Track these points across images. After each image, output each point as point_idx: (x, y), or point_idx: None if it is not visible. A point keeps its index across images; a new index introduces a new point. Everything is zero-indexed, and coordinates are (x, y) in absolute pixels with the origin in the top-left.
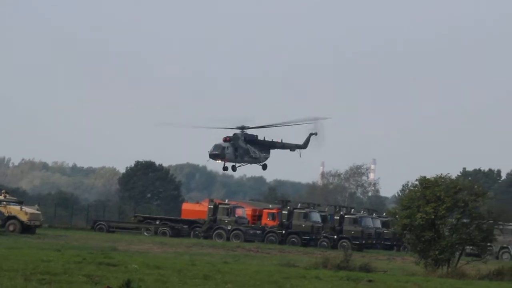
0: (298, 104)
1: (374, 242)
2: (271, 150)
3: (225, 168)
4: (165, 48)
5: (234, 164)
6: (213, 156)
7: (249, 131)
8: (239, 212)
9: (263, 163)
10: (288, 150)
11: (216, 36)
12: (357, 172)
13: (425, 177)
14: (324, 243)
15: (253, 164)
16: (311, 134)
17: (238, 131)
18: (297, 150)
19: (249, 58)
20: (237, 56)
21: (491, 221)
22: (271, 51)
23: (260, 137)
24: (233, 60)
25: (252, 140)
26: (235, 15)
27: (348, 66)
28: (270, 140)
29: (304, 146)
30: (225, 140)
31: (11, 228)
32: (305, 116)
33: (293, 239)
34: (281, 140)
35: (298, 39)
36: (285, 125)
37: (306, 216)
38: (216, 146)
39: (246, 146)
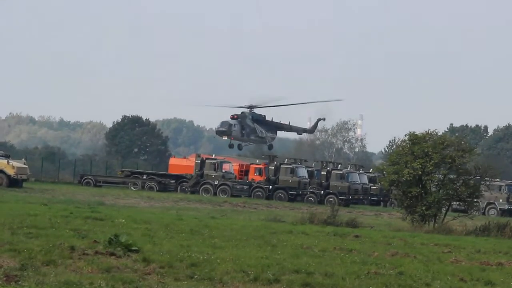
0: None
1: (360, 197)
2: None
3: (231, 145)
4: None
5: (240, 142)
6: (219, 132)
7: (257, 111)
8: (226, 167)
9: (269, 143)
10: (295, 133)
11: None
12: (344, 127)
13: (414, 132)
14: (311, 198)
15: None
16: (319, 119)
17: (246, 109)
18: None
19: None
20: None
21: (478, 177)
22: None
23: (268, 118)
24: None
25: (260, 120)
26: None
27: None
28: (278, 121)
29: (312, 130)
30: (232, 117)
31: None
32: (314, 97)
33: (280, 194)
34: (289, 123)
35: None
36: (293, 105)
37: (292, 172)
38: (223, 123)
39: (253, 125)
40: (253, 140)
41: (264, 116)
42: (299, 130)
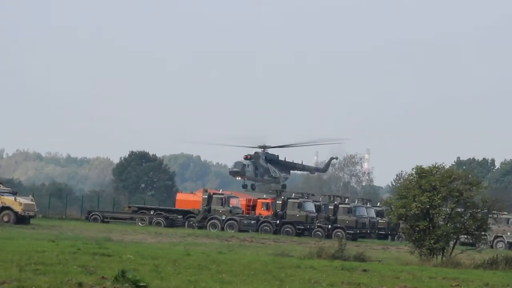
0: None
1: (368, 231)
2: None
3: (244, 186)
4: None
5: (253, 182)
6: (233, 173)
7: (270, 151)
8: (233, 202)
9: (283, 183)
10: (308, 172)
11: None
12: (351, 161)
13: (421, 166)
14: (319, 232)
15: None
16: (331, 158)
17: (259, 149)
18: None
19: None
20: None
21: (485, 210)
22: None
23: (281, 158)
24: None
25: (273, 160)
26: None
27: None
28: (291, 161)
29: (324, 169)
30: (246, 158)
31: (5, 218)
32: (325, 137)
33: (288, 229)
34: (302, 162)
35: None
36: (306, 145)
37: (300, 206)
38: (237, 164)
39: (266, 165)
40: (266, 180)
41: (277, 156)
42: (312, 170)
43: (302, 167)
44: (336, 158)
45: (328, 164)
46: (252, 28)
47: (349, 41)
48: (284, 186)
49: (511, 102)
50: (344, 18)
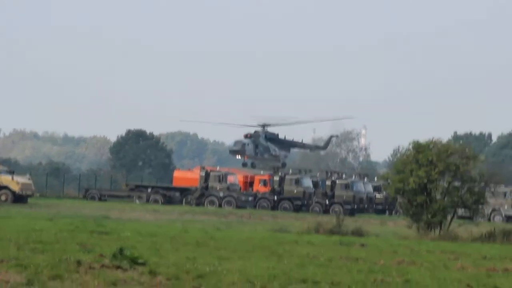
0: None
1: (366, 206)
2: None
3: (244, 164)
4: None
5: (253, 161)
6: (233, 152)
7: (270, 129)
8: (230, 178)
9: (283, 161)
10: (308, 150)
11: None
12: (348, 137)
13: (418, 141)
14: (316, 208)
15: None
16: (331, 136)
17: (259, 128)
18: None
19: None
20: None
21: (483, 184)
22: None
23: (281, 136)
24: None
25: (273, 138)
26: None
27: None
28: (291, 139)
29: (324, 147)
30: (245, 136)
31: (3, 198)
32: (326, 114)
33: (285, 205)
34: (302, 140)
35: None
36: (306, 123)
37: (297, 182)
38: (237, 142)
39: (266, 143)
40: (266, 159)
41: (277, 134)
42: (312, 148)
43: (302, 145)
44: (336, 136)
45: (328, 142)
46: (253, 6)
47: (345, 15)
48: (284, 164)
49: (508, 76)
50: None
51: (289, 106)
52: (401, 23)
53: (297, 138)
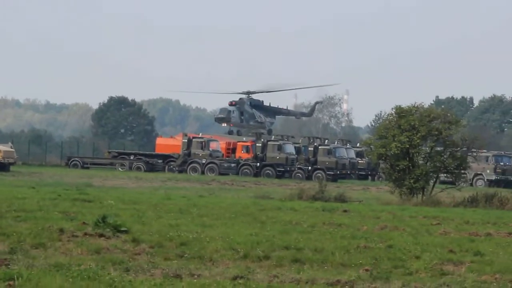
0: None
1: (348, 172)
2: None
3: (230, 132)
4: None
5: (239, 128)
6: (218, 119)
7: (255, 96)
8: (213, 145)
9: (269, 128)
10: (294, 117)
11: None
12: (330, 103)
13: (400, 106)
14: (299, 174)
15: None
16: (316, 103)
17: (244, 95)
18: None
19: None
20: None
21: (465, 149)
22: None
23: (266, 103)
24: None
25: (258, 105)
26: None
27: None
28: (276, 106)
29: (310, 114)
30: (230, 104)
31: None
32: (316, 80)
33: (268, 171)
34: (287, 107)
35: None
36: (291, 89)
37: (280, 148)
38: (222, 110)
39: (251, 110)
40: (252, 126)
41: (262, 101)
42: (297, 114)
43: (287, 112)
44: (321, 103)
45: (313, 109)
46: None
47: None
48: (270, 131)
49: (489, 40)
50: None
51: (273, 75)
52: None
53: (281, 105)
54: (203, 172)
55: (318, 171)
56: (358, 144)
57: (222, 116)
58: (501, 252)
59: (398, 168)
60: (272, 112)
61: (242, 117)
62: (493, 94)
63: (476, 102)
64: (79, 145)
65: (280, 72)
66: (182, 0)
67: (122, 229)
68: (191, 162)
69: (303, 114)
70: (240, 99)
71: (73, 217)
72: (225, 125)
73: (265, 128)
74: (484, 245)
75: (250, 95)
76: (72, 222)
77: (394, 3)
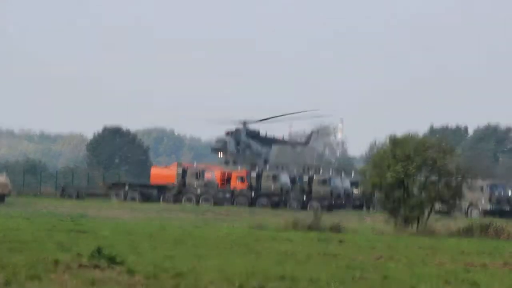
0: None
1: (343, 202)
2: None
3: (227, 162)
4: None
5: (235, 158)
6: (215, 150)
7: (251, 126)
8: (208, 175)
9: (265, 158)
10: (290, 146)
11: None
12: (325, 132)
13: (395, 135)
14: (294, 204)
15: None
16: (312, 132)
17: (240, 126)
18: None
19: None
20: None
21: (460, 178)
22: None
23: (263, 133)
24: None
25: (254, 135)
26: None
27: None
28: (272, 136)
29: (306, 143)
30: (227, 134)
31: None
32: (310, 110)
33: (263, 201)
34: (283, 137)
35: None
36: (287, 118)
37: (275, 178)
38: (219, 140)
39: (248, 140)
40: (248, 156)
41: (259, 131)
42: (294, 144)
43: (283, 142)
44: (318, 132)
45: (309, 138)
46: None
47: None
48: (266, 161)
49: (484, 69)
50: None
51: (267, 103)
52: (376, 17)
53: (277, 135)
54: (198, 202)
55: (313, 201)
56: (353, 174)
57: (218, 146)
58: (496, 283)
59: (393, 198)
60: (269, 141)
61: (239, 147)
62: (488, 123)
63: (470, 131)
64: (74, 175)
65: (275, 102)
66: (178, 31)
67: (117, 260)
68: (186, 192)
69: (299, 144)
70: (236, 129)
71: (68, 248)
72: (222, 155)
73: (261, 158)
74: (480, 276)
75: (246, 124)
76: (67, 254)
77: (388, 33)
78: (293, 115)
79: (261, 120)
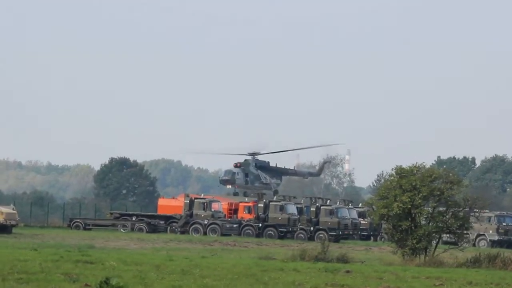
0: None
1: (351, 233)
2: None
3: (235, 193)
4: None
5: (245, 190)
6: (223, 181)
7: (261, 158)
8: (215, 206)
9: (274, 189)
10: (302, 177)
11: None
12: (332, 163)
13: (401, 166)
14: (301, 235)
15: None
16: (325, 162)
17: (249, 157)
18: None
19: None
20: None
21: (467, 209)
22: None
23: (273, 164)
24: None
25: (264, 167)
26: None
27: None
28: (283, 167)
29: (318, 173)
30: (235, 166)
31: None
32: (318, 141)
33: (270, 232)
34: (294, 167)
35: None
36: (298, 150)
37: (282, 209)
38: (227, 172)
39: (257, 172)
40: (257, 187)
41: (268, 162)
42: (305, 174)
43: (294, 172)
44: (330, 162)
45: (321, 168)
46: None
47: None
48: (276, 192)
49: (490, 100)
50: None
51: (274, 137)
52: (376, 41)
53: (286, 166)
54: (205, 233)
55: (320, 232)
56: (360, 205)
57: (227, 178)
58: None
59: (400, 229)
60: (279, 172)
61: (247, 179)
62: (495, 154)
63: (478, 162)
64: (81, 206)
65: (281, 133)
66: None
67: None
68: (193, 223)
69: (311, 174)
70: (245, 160)
71: (76, 279)
72: (230, 187)
73: (271, 189)
74: None
75: (255, 156)
76: (74, 284)
77: (396, 63)
78: (302, 147)
79: (270, 153)
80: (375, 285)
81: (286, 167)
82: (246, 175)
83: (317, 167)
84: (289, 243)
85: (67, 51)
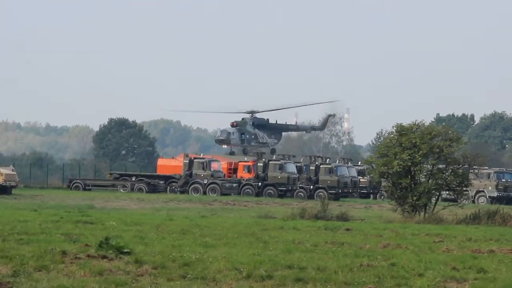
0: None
1: (350, 191)
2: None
3: (231, 153)
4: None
5: (244, 148)
6: (218, 141)
7: (259, 115)
8: (214, 165)
9: (272, 147)
10: (304, 132)
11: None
12: (331, 121)
13: (401, 124)
14: (301, 193)
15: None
16: (329, 116)
17: (247, 115)
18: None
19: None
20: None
21: (466, 166)
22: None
23: (272, 121)
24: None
25: (262, 125)
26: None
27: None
28: (284, 123)
29: (322, 127)
30: (232, 125)
31: None
32: (321, 96)
33: (270, 191)
34: (296, 123)
35: None
36: (299, 107)
37: (281, 168)
38: (222, 132)
39: (254, 131)
40: (254, 146)
41: (268, 119)
42: (308, 129)
43: (296, 128)
44: (334, 115)
45: (325, 122)
46: None
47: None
48: (273, 151)
49: (489, 57)
50: None
51: (274, 95)
52: (385, 10)
53: (289, 122)
54: (205, 193)
55: (320, 190)
56: (359, 163)
57: (222, 137)
58: (504, 269)
59: (400, 186)
60: (279, 129)
61: (243, 138)
62: (494, 111)
63: (477, 119)
64: (81, 167)
65: (281, 92)
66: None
67: (125, 250)
68: (193, 183)
69: (314, 128)
70: (243, 119)
71: (76, 239)
72: (226, 146)
73: (268, 147)
74: (487, 262)
75: (253, 114)
76: (74, 244)
77: (395, 22)
78: (302, 104)
79: (268, 110)
80: (375, 242)
81: (287, 123)
82: (242, 134)
83: (317, 124)
84: (288, 202)
85: (67, 12)
